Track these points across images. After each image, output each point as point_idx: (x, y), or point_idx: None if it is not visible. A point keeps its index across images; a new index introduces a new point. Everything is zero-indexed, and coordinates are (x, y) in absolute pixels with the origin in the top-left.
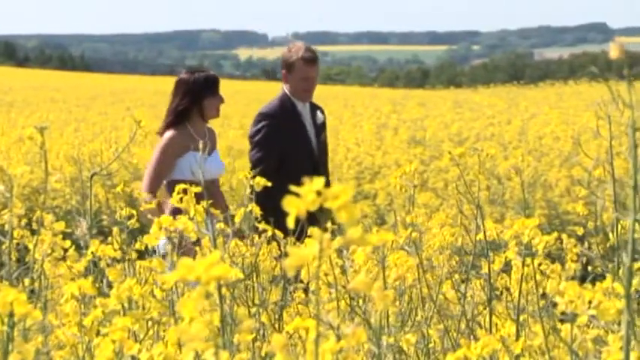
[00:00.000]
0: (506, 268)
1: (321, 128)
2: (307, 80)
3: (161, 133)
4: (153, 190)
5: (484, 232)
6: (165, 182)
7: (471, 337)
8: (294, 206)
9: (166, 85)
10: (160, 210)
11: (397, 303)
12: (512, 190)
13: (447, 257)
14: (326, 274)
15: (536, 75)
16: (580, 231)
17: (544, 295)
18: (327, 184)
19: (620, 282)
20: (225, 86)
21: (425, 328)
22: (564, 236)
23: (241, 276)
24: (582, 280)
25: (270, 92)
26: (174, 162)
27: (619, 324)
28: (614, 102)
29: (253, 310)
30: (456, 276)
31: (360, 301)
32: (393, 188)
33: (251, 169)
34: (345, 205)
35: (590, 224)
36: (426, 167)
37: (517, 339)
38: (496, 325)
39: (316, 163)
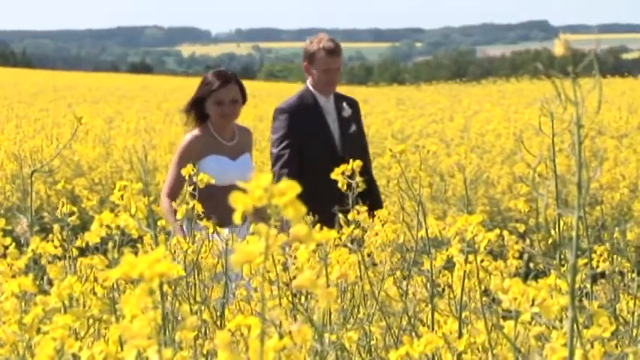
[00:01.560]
0: (449, 264)
1: (348, 122)
2: (329, 72)
3: (185, 127)
4: (172, 193)
5: (426, 229)
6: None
7: (413, 334)
8: (241, 202)
9: (109, 81)
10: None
11: (339, 300)
12: (454, 187)
13: (389, 254)
14: (268, 271)
15: (479, 72)
16: (521, 228)
17: (486, 292)
18: (367, 179)
19: (563, 278)
20: (168, 83)
21: (367, 326)
22: (506, 233)
23: (183, 273)
24: (524, 277)
25: None
26: (195, 164)
27: (561, 321)
28: (558, 99)
29: (195, 307)
30: (398, 273)
31: (303, 299)
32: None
33: (272, 167)
34: (292, 201)
35: (532, 221)
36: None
37: (460, 336)
38: (438, 322)
39: (340, 159)
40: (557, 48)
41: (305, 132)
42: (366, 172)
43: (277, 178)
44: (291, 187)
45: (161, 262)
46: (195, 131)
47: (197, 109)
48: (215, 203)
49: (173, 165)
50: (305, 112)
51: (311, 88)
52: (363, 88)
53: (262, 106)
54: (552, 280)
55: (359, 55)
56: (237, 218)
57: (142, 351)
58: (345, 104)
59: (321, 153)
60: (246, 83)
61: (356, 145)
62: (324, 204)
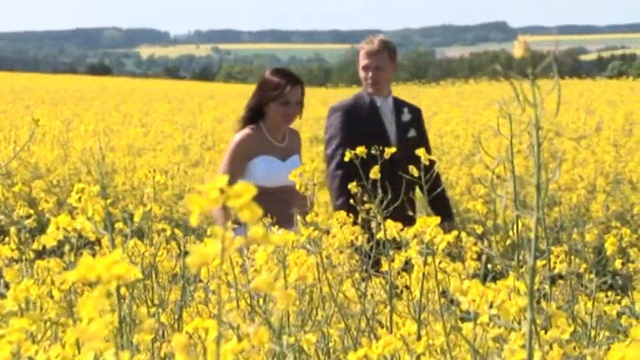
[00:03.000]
0: (407, 266)
1: (407, 126)
2: (366, 69)
3: (237, 131)
4: None
5: (384, 231)
6: None
7: (372, 335)
8: (197, 204)
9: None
10: (226, 215)
11: (298, 302)
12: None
13: (348, 256)
14: (226, 274)
15: (438, 74)
16: (479, 229)
17: (444, 294)
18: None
19: (521, 280)
20: (127, 84)
21: (326, 328)
22: (464, 234)
23: (140, 276)
24: (482, 278)
25: (171, 90)
26: (244, 165)
27: (520, 322)
28: (516, 100)
29: (152, 310)
30: (357, 275)
31: (261, 301)
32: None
33: (326, 168)
34: (248, 203)
35: (490, 222)
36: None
37: (418, 338)
38: (397, 324)
39: (395, 162)
40: (517, 50)
41: (359, 132)
42: (430, 175)
43: (331, 179)
44: (246, 189)
45: (119, 264)
46: (247, 130)
47: (252, 110)
48: (265, 205)
49: (224, 164)
50: (360, 111)
51: (368, 89)
52: (322, 90)
53: (221, 107)
54: (511, 282)
55: (318, 56)
56: (193, 220)
57: (99, 354)
58: (405, 109)
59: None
60: (204, 85)
61: (413, 149)
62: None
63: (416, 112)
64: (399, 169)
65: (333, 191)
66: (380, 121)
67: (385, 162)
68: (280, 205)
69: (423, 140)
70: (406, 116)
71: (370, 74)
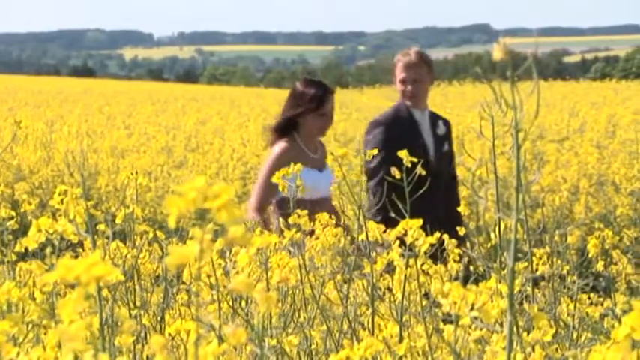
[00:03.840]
0: (389, 268)
1: (442, 139)
2: (404, 82)
3: (271, 144)
4: (260, 206)
5: (366, 233)
6: (273, 200)
7: (354, 337)
8: (175, 206)
9: (51, 84)
10: (265, 227)
11: (280, 304)
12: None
13: (330, 258)
14: (208, 276)
15: None
16: (462, 231)
17: (427, 295)
18: (454, 196)
19: (503, 282)
20: (110, 86)
21: (307, 329)
22: (446, 236)
23: (122, 278)
24: (465, 280)
25: (155, 92)
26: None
27: (502, 324)
28: (497, 103)
29: (134, 311)
30: (339, 276)
31: (243, 303)
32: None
33: (367, 181)
34: (226, 204)
35: (472, 224)
36: None
37: (400, 340)
38: (379, 325)
39: (435, 175)
40: (496, 52)
41: (402, 144)
42: (454, 190)
43: (373, 193)
44: (225, 190)
45: (98, 265)
46: (283, 143)
47: (288, 122)
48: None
49: (262, 178)
50: (401, 125)
51: (406, 101)
52: None
53: (204, 109)
54: (493, 283)
55: (302, 58)
56: (171, 222)
57: (79, 356)
58: (440, 122)
59: (416, 168)
60: (188, 87)
61: (448, 163)
62: (417, 217)
63: (448, 126)
64: (438, 183)
65: (371, 205)
66: (420, 135)
67: (426, 177)
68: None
69: (452, 154)
70: (441, 129)
71: (409, 87)
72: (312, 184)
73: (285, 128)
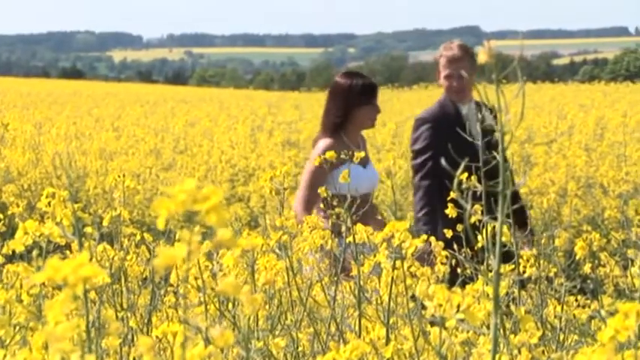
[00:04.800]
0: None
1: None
2: (449, 78)
3: (315, 142)
4: (307, 205)
5: (353, 235)
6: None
7: (341, 340)
8: (164, 208)
9: (39, 86)
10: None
11: (267, 306)
12: (385, 192)
13: (317, 260)
14: (196, 278)
15: (411, 78)
16: (449, 233)
17: (414, 298)
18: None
19: (490, 284)
20: (99, 88)
21: (294, 332)
22: (432, 239)
23: (108, 280)
24: (452, 282)
25: (144, 94)
26: (328, 174)
27: (488, 327)
28: (483, 105)
29: (121, 314)
30: (326, 279)
31: (230, 305)
32: (266, 191)
33: (412, 178)
34: (215, 207)
35: (460, 226)
36: (301, 169)
37: (387, 342)
38: (366, 328)
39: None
40: (481, 55)
41: (448, 140)
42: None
43: (417, 189)
44: (214, 193)
45: (86, 266)
46: (327, 140)
47: (339, 118)
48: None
49: (307, 175)
50: (447, 121)
51: (451, 96)
52: (295, 94)
53: (193, 111)
54: (479, 286)
55: (291, 60)
56: (160, 224)
57: (65, 357)
58: (487, 113)
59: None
60: (177, 89)
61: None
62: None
63: (495, 114)
64: (487, 176)
65: (416, 202)
66: (466, 129)
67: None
68: (362, 215)
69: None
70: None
71: (455, 83)
72: (356, 180)
73: (332, 125)
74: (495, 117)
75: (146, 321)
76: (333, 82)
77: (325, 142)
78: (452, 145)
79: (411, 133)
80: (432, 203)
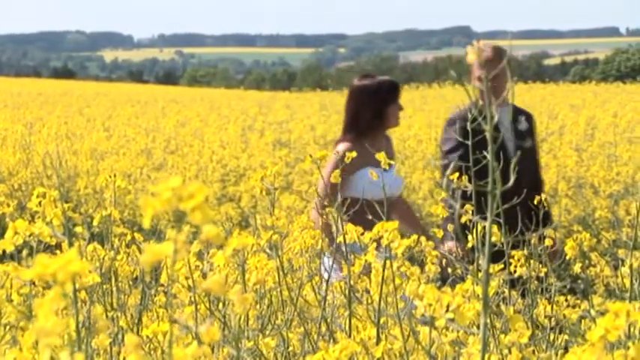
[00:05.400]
0: (367, 270)
1: (524, 135)
2: (481, 80)
3: (336, 144)
4: (324, 207)
5: (343, 235)
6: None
7: (331, 340)
8: (149, 206)
9: (30, 86)
10: (327, 228)
11: (257, 306)
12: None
13: (308, 260)
14: (186, 278)
15: (402, 78)
16: (440, 234)
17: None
18: (536, 193)
19: (479, 284)
20: (90, 88)
21: (285, 332)
22: (423, 239)
23: (98, 279)
24: (442, 282)
25: (135, 94)
26: (348, 177)
27: (478, 327)
28: (473, 105)
29: (112, 313)
30: (316, 279)
31: (220, 305)
32: (257, 191)
33: (441, 178)
34: (200, 204)
35: (450, 226)
36: (291, 169)
37: (377, 342)
38: (357, 327)
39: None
40: (469, 55)
41: (477, 142)
42: (537, 188)
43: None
44: (199, 191)
45: (74, 262)
46: (347, 142)
47: (358, 119)
48: (367, 218)
49: (327, 175)
50: (478, 122)
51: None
52: (285, 94)
53: (184, 111)
54: (469, 286)
55: (282, 60)
56: (146, 222)
57: (55, 354)
58: (522, 117)
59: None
60: (168, 89)
61: (531, 160)
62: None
63: (531, 120)
64: (519, 181)
65: (445, 201)
66: (498, 131)
67: (505, 173)
68: (388, 217)
69: (536, 148)
70: (523, 125)
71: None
72: (378, 184)
73: (357, 127)
74: (530, 123)
75: (136, 321)
76: (360, 85)
77: (345, 145)
78: (482, 147)
79: (441, 133)
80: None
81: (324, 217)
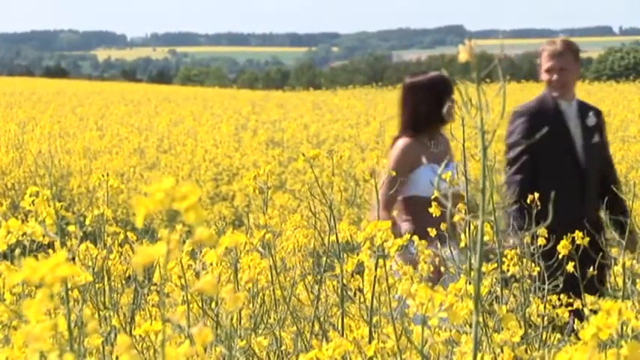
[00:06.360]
0: (360, 269)
1: (592, 131)
2: (551, 72)
3: (394, 141)
4: (386, 203)
5: (336, 234)
6: (400, 198)
7: (324, 339)
8: (142, 206)
9: (23, 85)
10: (394, 228)
11: (250, 305)
12: (369, 191)
13: (300, 259)
14: (179, 277)
15: (395, 77)
16: (433, 232)
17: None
18: (607, 192)
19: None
20: (83, 87)
21: (277, 331)
22: (416, 238)
23: (90, 279)
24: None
25: (128, 93)
26: (408, 175)
27: (471, 325)
28: (464, 104)
29: (104, 313)
30: (309, 277)
31: (213, 304)
32: (250, 190)
33: (505, 171)
34: (193, 205)
35: (444, 225)
36: (285, 169)
37: (370, 341)
38: (349, 326)
39: (582, 169)
40: (462, 54)
41: (543, 136)
42: (609, 185)
43: (509, 184)
44: (192, 191)
45: (63, 265)
46: (406, 138)
47: (416, 115)
48: (429, 217)
49: (387, 174)
50: (544, 115)
51: (552, 92)
52: (279, 93)
53: (177, 110)
54: (462, 284)
55: (275, 59)
56: (139, 222)
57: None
58: (590, 113)
59: (561, 160)
60: (162, 88)
61: (599, 156)
62: (561, 214)
63: (599, 116)
64: (584, 176)
65: (509, 196)
66: (565, 126)
67: (571, 169)
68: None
69: (605, 145)
70: (591, 120)
71: (555, 76)
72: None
73: (415, 123)
74: (598, 119)
75: (129, 320)
76: (415, 81)
77: (404, 141)
78: (548, 142)
79: (507, 126)
80: (524, 198)
81: (390, 214)
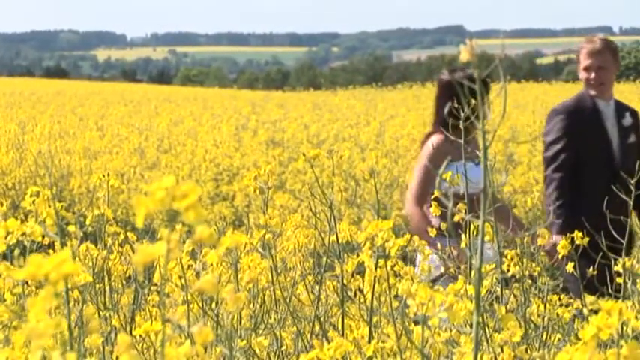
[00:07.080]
0: (361, 269)
1: (628, 131)
2: (589, 70)
3: (427, 138)
4: (419, 200)
5: (337, 234)
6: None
7: (324, 338)
8: (142, 205)
9: (23, 85)
10: (426, 223)
11: (250, 305)
12: (369, 191)
13: (301, 259)
14: (180, 277)
15: (395, 77)
16: (433, 232)
17: (397, 297)
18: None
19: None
20: (83, 87)
21: (278, 331)
22: (416, 238)
23: (91, 279)
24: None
25: (128, 93)
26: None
27: (471, 325)
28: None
29: (104, 313)
30: (310, 278)
31: (213, 304)
32: (250, 190)
33: (545, 170)
34: (193, 204)
35: (443, 225)
36: (285, 169)
37: (370, 340)
38: (350, 326)
39: (617, 168)
40: (463, 54)
41: (581, 135)
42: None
43: (549, 182)
44: (192, 190)
45: (67, 262)
46: (439, 135)
47: (442, 113)
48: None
49: (420, 170)
50: (582, 114)
51: (589, 90)
52: (279, 93)
53: (178, 111)
54: (461, 285)
55: (275, 59)
56: (139, 222)
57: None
58: (627, 113)
59: (597, 158)
60: (162, 88)
61: (635, 156)
62: (597, 212)
63: (635, 116)
64: (619, 176)
65: (548, 194)
66: (602, 125)
67: (606, 168)
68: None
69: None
70: (627, 120)
71: (593, 75)
72: (470, 178)
73: (443, 120)
74: (634, 119)
75: (129, 320)
76: (445, 79)
77: (438, 137)
78: (586, 141)
79: (545, 124)
80: (564, 195)
81: (423, 210)
